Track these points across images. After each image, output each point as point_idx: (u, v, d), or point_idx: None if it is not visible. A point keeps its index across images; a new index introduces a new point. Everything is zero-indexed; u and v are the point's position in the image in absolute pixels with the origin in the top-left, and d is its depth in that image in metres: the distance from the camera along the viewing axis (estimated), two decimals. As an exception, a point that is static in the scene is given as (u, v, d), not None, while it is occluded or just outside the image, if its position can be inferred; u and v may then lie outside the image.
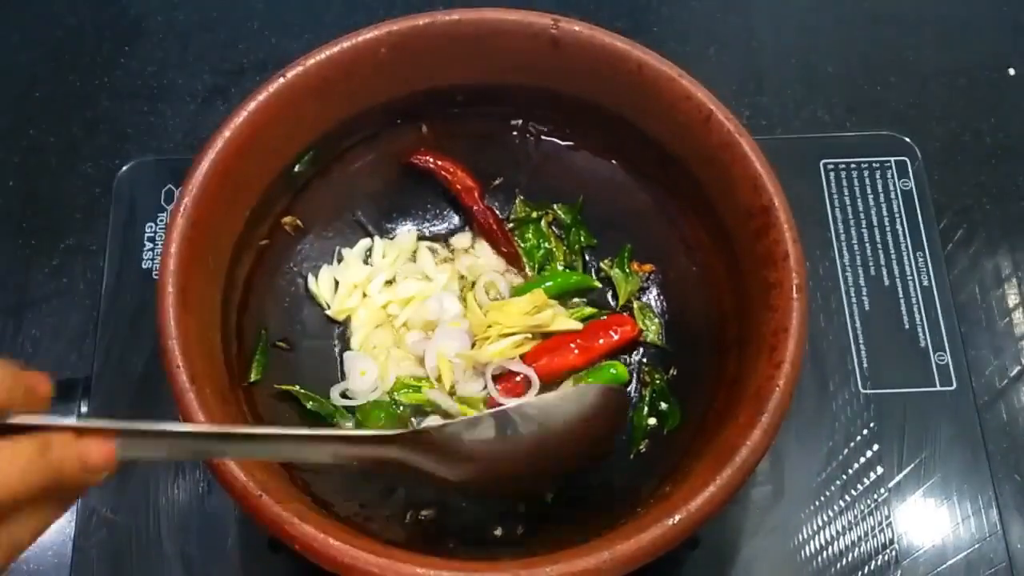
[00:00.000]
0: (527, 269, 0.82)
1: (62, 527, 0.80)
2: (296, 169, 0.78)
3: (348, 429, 0.72)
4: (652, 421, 0.75)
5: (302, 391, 0.75)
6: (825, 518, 0.78)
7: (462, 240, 0.83)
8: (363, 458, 0.61)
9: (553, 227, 0.83)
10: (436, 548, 0.67)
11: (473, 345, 0.78)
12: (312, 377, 0.77)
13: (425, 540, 0.70)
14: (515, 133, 0.83)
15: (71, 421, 0.51)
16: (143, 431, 0.54)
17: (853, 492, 0.79)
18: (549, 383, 0.78)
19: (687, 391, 0.76)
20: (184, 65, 1.01)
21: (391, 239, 0.83)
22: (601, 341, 0.78)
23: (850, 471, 0.80)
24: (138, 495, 0.79)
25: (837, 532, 0.78)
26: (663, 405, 0.75)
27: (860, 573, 0.77)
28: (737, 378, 0.70)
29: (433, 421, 0.75)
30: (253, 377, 0.74)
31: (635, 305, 0.80)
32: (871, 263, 0.88)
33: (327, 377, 0.78)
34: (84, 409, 0.80)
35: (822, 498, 0.79)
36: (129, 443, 0.53)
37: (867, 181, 0.91)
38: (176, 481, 0.79)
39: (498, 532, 0.72)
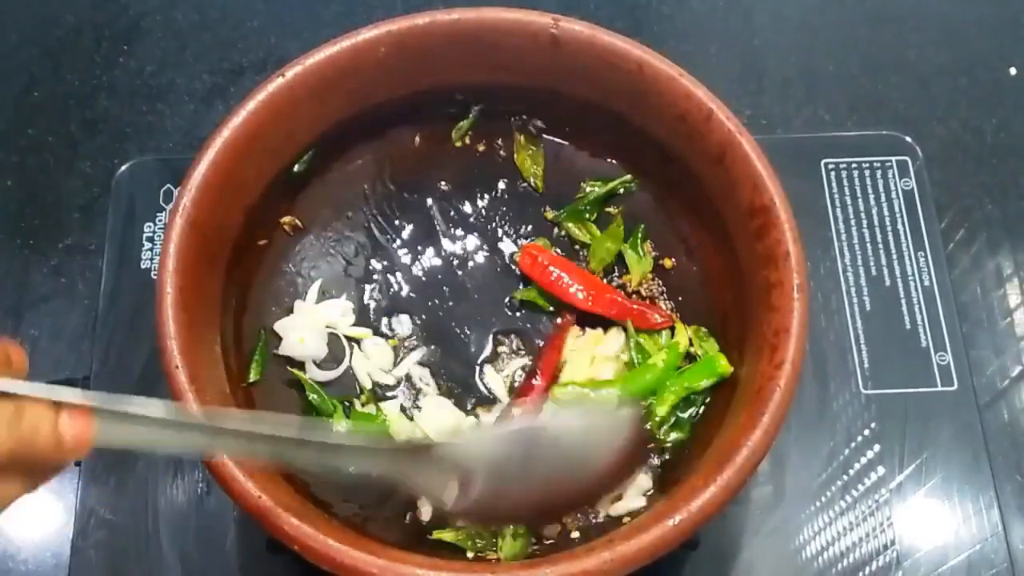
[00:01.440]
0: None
1: (60, 527, 0.80)
2: (296, 169, 0.78)
3: (347, 434, 0.70)
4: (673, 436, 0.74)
5: (309, 381, 0.75)
6: (826, 519, 0.78)
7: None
8: (361, 468, 0.59)
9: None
10: (436, 549, 0.68)
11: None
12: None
13: (425, 541, 0.70)
14: (516, 133, 0.83)
15: (47, 389, 0.48)
16: (126, 415, 0.51)
17: (854, 493, 0.79)
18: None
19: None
20: (183, 65, 1.01)
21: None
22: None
23: (851, 472, 0.80)
24: (137, 495, 0.79)
25: (838, 533, 0.78)
26: (683, 414, 0.74)
27: (861, 574, 0.77)
28: (737, 378, 0.70)
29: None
30: (252, 377, 0.74)
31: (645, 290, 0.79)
32: (872, 263, 0.88)
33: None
34: None
35: (823, 499, 0.79)
36: (109, 428, 0.50)
37: (868, 181, 0.91)
38: (175, 482, 0.79)
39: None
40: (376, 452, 0.60)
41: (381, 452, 0.60)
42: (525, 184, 0.83)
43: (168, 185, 0.90)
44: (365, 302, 0.81)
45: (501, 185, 0.84)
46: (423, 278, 0.82)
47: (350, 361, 0.78)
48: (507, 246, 0.83)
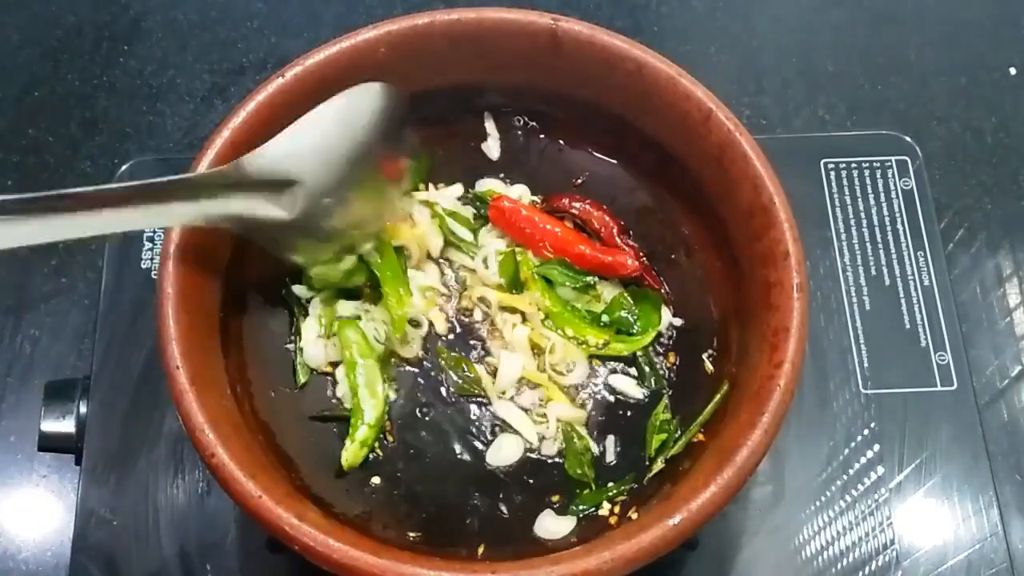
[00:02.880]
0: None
1: (61, 528, 0.80)
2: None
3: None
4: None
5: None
6: (826, 518, 0.78)
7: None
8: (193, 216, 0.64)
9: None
10: (438, 550, 0.68)
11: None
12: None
13: (427, 542, 0.70)
14: (516, 132, 0.83)
15: None
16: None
17: (854, 492, 0.79)
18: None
19: (687, 392, 0.75)
20: (183, 64, 1.01)
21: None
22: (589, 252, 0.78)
23: (851, 471, 0.80)
24: (137, 496, 0.79)
25: (838, 532, 0.78)
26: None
27: (861, 574, 0.77)
28: (737, 378, 0.70)
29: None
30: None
31: None
32: (872, 262, 0.87)
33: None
34: (83, 410, 0.80)
35: (823, 498, 0.79)
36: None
37: (868, 180, 0.91)
38: (175, 481, 0.79)
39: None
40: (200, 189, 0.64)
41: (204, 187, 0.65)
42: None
43: (169, 185, 0.90)
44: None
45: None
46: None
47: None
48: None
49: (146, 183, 0.63)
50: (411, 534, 0.70)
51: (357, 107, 0.69)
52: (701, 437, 0.71)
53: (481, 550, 0.69)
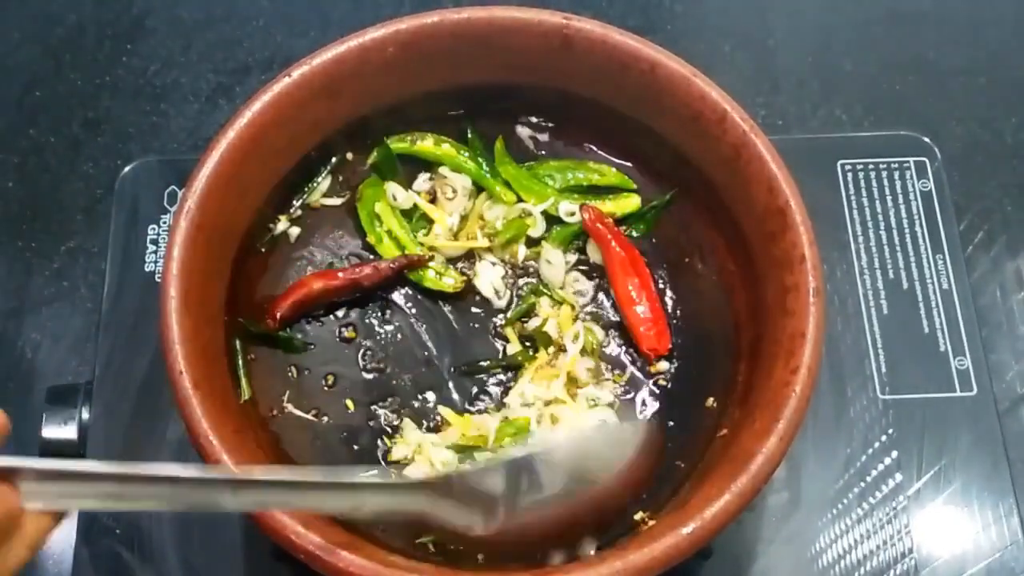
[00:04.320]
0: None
1: (62, 537, 0.79)
2: (301, 171, 0.77)
3: (366, 476, 0.64)
4: None
5: None
6: (843, 527, 0.77)
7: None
8: (383, 508, 0.58)
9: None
10: (449, 559, 0.68)
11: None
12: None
13: (438, 551, 0.69)
14: (526, 133, 0.82)
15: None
16: (75, 473, 0.50)
17: (871, 500, 0.78)
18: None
19: (700, 398, 0.75)
20: (188, 64, 1.01)
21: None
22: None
23: (868, 478, 0.79)
24: (140, 503, 0.78)
25: (855, 541, 0.77)
26: None
27: (879, 583, 0.76)
28: (752, 384, 0.69)
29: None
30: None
31: None
32: (889, 266, 0.87)
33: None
34: (85, 416, 0.79)
35: (839, 506, 0.78)
36: (46, 487, 0.50)
37: (885, 182, 0.90)
38: (179, 488, 0.78)
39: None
40: (396, 489, 0.58)
41: (401, 489, 0.59)
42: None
43: (172, 187, 0.89)
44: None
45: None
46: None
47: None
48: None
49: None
50: (420, 540, 0.69)
51: (605, 446, 0.63)
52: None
53: (490, 559, 0.69)
